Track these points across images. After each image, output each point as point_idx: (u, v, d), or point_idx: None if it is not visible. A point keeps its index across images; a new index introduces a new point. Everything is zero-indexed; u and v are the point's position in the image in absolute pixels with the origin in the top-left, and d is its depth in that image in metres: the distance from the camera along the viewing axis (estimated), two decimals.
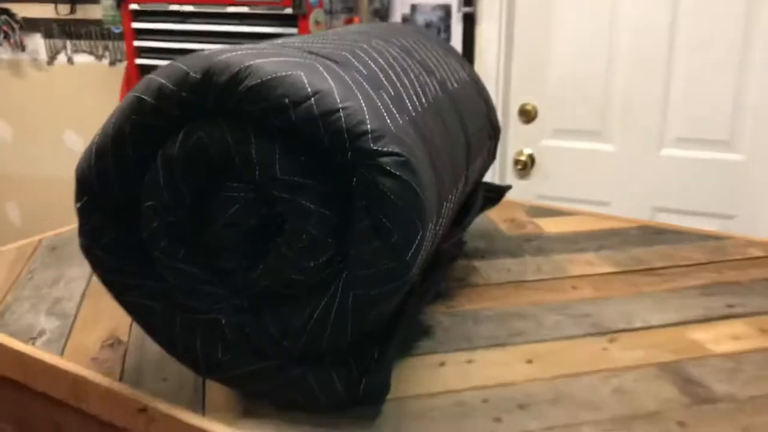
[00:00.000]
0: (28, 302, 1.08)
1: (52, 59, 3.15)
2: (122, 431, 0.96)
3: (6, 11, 3.13)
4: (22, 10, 3.13)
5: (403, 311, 0.82)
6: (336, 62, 0.76)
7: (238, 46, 0.75)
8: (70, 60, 3.11)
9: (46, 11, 3.07)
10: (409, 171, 0.69)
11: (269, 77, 0.69)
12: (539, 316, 1.02)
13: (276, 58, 0.72)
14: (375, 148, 0.68)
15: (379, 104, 0.72)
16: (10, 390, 1.11)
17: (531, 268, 1.18)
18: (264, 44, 0.80)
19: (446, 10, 2.45)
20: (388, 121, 0.71)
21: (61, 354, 0.93)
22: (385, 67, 0.81)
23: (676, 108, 2.28)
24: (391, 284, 0.71)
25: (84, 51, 3.07)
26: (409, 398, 0.83)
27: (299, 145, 0.71)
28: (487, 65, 2.45)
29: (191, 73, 0.71)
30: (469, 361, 0.91)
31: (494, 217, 1.42)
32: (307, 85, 0.69)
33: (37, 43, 3.15)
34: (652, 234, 1.32)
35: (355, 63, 0.78)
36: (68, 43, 3.08)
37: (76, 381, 0.89)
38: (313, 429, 0.77)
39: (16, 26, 3.12)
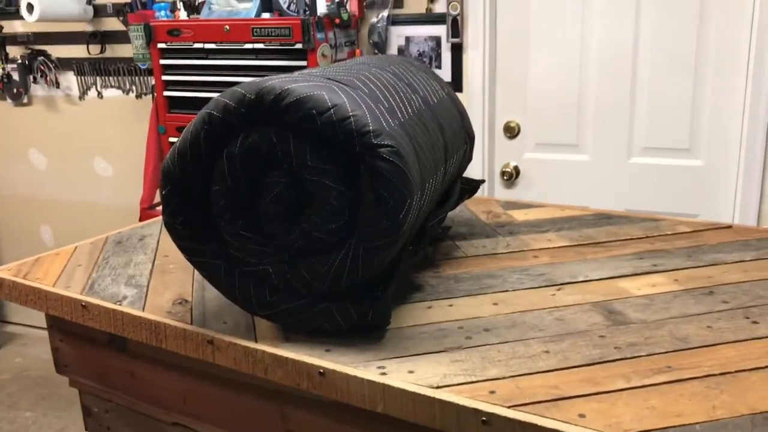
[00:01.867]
0: (109, 278, 1.38)
1: (83, 94, 3.49)
2: (184, 371, 1.26)
3: (43, 52, 3.48)
4: (56, 51, 3.48)
5: (399, 264, 1.12)
6: (346, 85, 1.07)
7: (278, 76, 1.07)
8: (99, 94, 3.45)
9: (78, 52, 3.41)
10: (399, 157, 1.00)
11: (302, 96, 1.01)
12: (505, 276, 1.32)
13: (305, 83, 1.03)
14: (375, 142, 0.99)
15: (377, 113, 1.03)
16: (90, 351, 1.42)
17: (502, 245, 1.48)
18: (295, 74, 1.11)
19: (437, 40, 2.78)
20: (384, 124, 1.02)
21: (143, 310, 1.24)
22: (381, 87, 1.13)
23: (641, 121, 2.59)
24: (389, 237, 1.02)
25: (112, 86, 3.41)
26: (405, 328, 1.13)
27: (323, 142, 1.02)
28: (474, 88, 2.77)
29: (247, 95, 1.03)
30: (450, 305, 1.21)
31: (475, 209, 1.73)
32: (328, 101, 1.00)
33: (70, 80, 3.49)
34: (603, 219, 1.62)
35: (360, 85, 1.10)
36: (98, 79, 3.42)
37: (157, 326, 1.19)
38: (335, 347, 1.07)
39: (51, 65, 3.47)
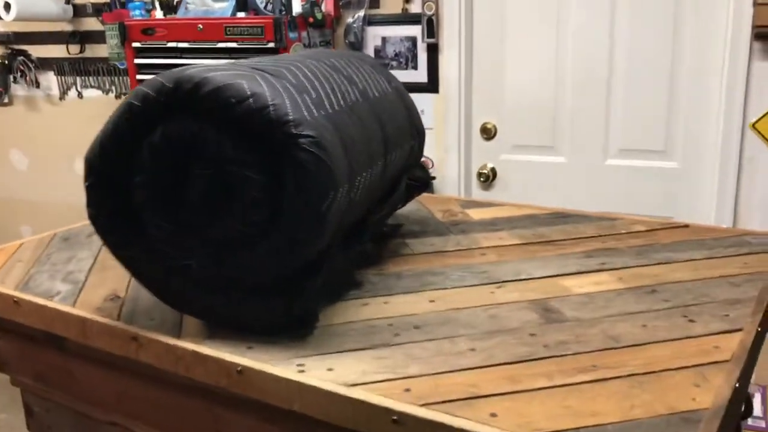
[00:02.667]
0: (47, 274, 1.36)
1: (63, 94, 3.47)
2: (119, 369, 1.24)
3: (23, 52, 3.47)
4: (36, 51, 3.46)
5: (328, 258, 1.10)
6: (272, 75, 1.04)
7: (200, 65, 1.04)
8: (80, 95, 3.43)
9: (58, 51, 3.39)
10: (320, 148, 0.97)
11: (220, 85, 0.98)
12: (448, 273, 1.29)
13: (226, 72, 1.00)
14: (295, 132, 0.97)
15: (300, 103, 1.01)
16: (29, 349, 1.39)
17: (451, 243, 1.45)
18: (220, 64, 1.09)
19: (413, 41, 2.76)
20: (306, 114, 0.99)
21: (73, 305, 1.21)
22: (311, 78, 1.10)
23: (617, 123, 2.56)
24: (312, 230, 0.99)
25: (92, 86, 3.39)
26: (335, 325, 1.10)
27: (244, 132, 1.00)
28: (450, 88, 2.74)
29: (166, 84, 1.00)
30: (386, 302, 1.18)
31: (432, 207, 1.70)
32: (247, 90, 0.98)
33: (50, 80, 3.47)
34: (560, 217, 1.59)
35: (288, 75, 1.07)
36: (78, 79, 3.40)
37: (84, 322, 1.16)
38: (258, 344, 1.04)
39: (31, 65, 3.45)
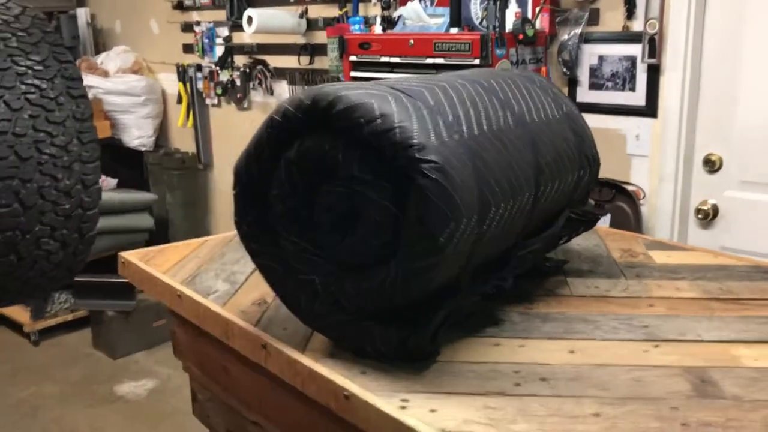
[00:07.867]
0: (214, 272, 1.44)
1: None
2: (261, 373, 1.27)
3: (262, 62, 3.77)
4: (274, 61, 3.75)
5: (455, 293, 1.03)
6: (407, 95, 1.01)
7: (342, 83, 1.03)
8: None
9: (292, 62, 3.64)
10: (443, 174, 0.92)
11: (352, 104, 0.96)
12: (601, 322, 1.16)
13: (360, 90, 0.99)
14: (418, 156, 0.92)
15: (430, 126, 0.96)
16: (193, 339, 1.48)
17: (619, 288, 1.30)
18: (360, 82, 1.07)
19: (632, 61, 2.56)
20: (433, 138, 0.94)
21: (223, 306, 1.27)
22: (454, 100, 1.04)
23: None
24: (428, 260, 0.94)
25: None
26: (457, 362, 1.03)
27: (373, 153, 0.97)
28: (670, 114, 2.50)
29: (305, 101, 1.01)
30: (521, 346, 1.09)
31: (611, 245, 1.54)
32: (376, 110, 0.95)
33: (283, 88, 3.74)
34: (761, 272, 1.36)
35: (426, 96, 1.03)
36: (307, 88, 3.62)
37: (227, 323, 1.21)
38: (372, 371, 1.00)
39: (267, 75, 3.74)
